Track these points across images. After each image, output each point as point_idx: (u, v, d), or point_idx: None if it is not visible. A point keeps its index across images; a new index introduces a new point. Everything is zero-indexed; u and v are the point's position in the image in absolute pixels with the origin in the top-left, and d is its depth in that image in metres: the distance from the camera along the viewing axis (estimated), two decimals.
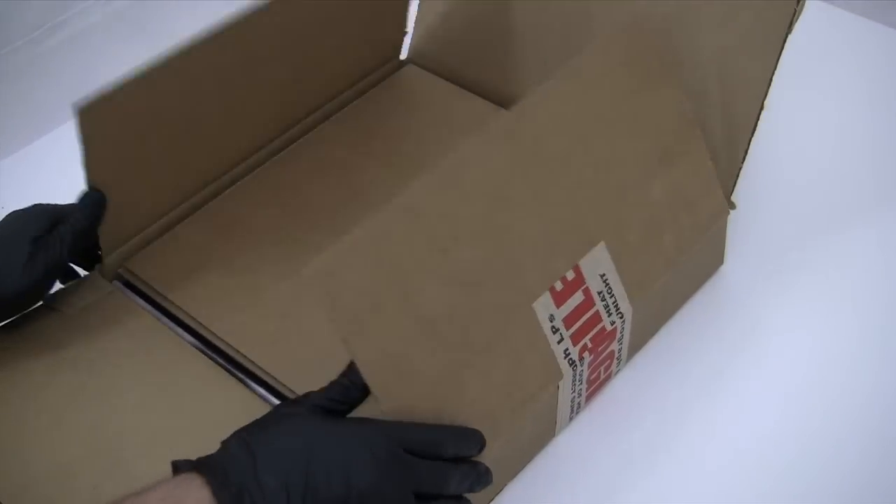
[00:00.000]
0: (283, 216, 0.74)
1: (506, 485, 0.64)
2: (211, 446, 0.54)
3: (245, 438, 0.53)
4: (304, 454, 0.52)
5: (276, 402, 0.64)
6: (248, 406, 0.63)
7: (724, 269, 0.75)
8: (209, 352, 0.67)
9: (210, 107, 0.76)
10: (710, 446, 0.66)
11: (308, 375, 0.63)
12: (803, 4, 0.67)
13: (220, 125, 0.76)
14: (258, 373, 0.65)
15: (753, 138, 0.69)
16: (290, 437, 0.53)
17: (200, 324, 0.67)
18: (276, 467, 0.51)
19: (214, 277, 0.70)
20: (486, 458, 0.58)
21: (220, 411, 0.63)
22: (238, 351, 0.66)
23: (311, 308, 0.67)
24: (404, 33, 0.84)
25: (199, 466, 0.52)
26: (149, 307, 0.69)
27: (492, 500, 0.63)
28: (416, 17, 0.84)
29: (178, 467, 0.53)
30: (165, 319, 0.69)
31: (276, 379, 0.64)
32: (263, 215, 0.74)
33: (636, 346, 0.70)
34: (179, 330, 0.68)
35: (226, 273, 0.70)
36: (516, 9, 0.79)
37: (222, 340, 0.66)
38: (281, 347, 0.66)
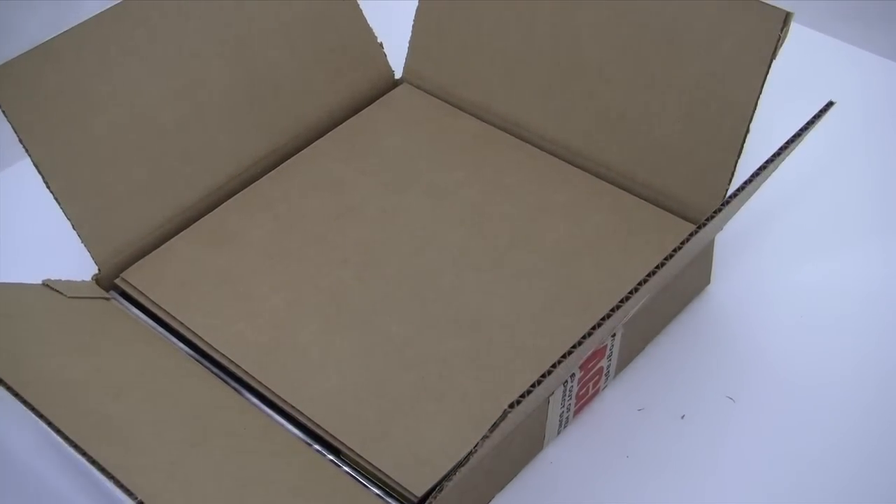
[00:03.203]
0: (277, 230, 0.75)
1: (494, 496, 0.65)
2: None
3: None
4: None
5: (269, 411, 0.65)
6: (238, 405, 0.65)
7: (710, 288, 0.76)
8: (204, 361, 0.67)
9: (206, 121, 0.77)
10: (695, 459, 0.66)
11: (301, 387, 0.65)
12: (788, 31, 0.69)
13: (216, 139, 0.77)
14: (251, 382, 0.66)
15: (740, 161, 0.71)
16: None
17: (195, 333, 0.68)
18: None
19: (209, 289, 0.71)
20: (476, 468, 0.59)
21: (208, 404, 0.64)
22: (232, 361, 0.66)
23: (305, 321, 0.68)
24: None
25: None
26: (144, 317, 0.70)
27: None
28: (411, 37, 0.85)
29: None
30: (161, 329, 0.69)
31: (269, 389, 0.65)
32: (258, 228, 0.75)
33: (623, 363, 0.71)
34: (174, 339, 0.69)
35: (220, 285, 0.71)
36: (511, 30, 0.80)
37: (217, 351, 0.67)
38: (274, 359, 0.66)
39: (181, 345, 0.68)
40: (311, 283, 0.71)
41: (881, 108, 0.90)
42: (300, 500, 0.59)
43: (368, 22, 0.84)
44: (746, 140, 0.70)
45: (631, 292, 0.54)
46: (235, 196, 0.77)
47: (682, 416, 0.69)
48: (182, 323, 0.69)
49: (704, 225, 0.57)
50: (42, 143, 0.69)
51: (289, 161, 0.80)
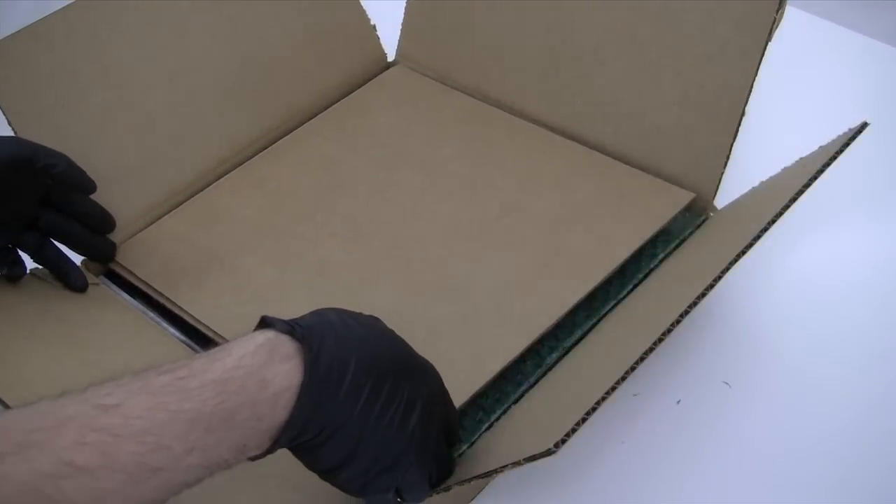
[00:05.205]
0: (267, 207, 0.74)
1: (489, 481, 0.64)
2: None
3: (343, 315, 0.50)
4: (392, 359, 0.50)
5: None
6: None
7: None
8: (196, 347, 0.67)
9: (197, 103, 0.76)
10: (691, 444, 0.66)
11: None
12: (783, 13, 0.68)
13: (207, 121, 0.77)
14: None
15: (735, 144, 0.71)
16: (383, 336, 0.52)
17: (181, 308, 0.67)
18: (368, 358, 0.49)
19: (196, 265, 0.70)
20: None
21: None
22: (216, 333, 0.65)
23: (291, 292, 0.68)
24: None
25: (294, 330, 0.48)
26: (133, 301, 0.70)
27: (474, 496, 0.64)
28: (404, 19, 0.85)
29: (268, 323, 0.49)
30: (151, 314, 0.69)
31: None
32: (247, 206, 0.74)
33: None
34: (164, 324, 0.68)
35: (208, 261, 0.70)
36: (503, 12, 0.80)
37: (201, 323, 0.66)
38: None
39: (172, 329, 0.68)
40: (297, 256, 0.71)
41: (877, 90, 0.90)
42: (288, 482, 0.58)
43: (362, 4, 0.84)
44: (742, 123, 0.70)
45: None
46: (225, 177, 0.77)
47: (678, 402, 0.68)
48: (168, 298, 0.68)
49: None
50: (31, 125, 0.68)
51: (279, 142, 0.79)
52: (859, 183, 0.83)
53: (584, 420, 0.49)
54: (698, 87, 0.71)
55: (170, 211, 0.74)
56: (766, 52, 0.68)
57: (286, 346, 0.47)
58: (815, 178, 0.58)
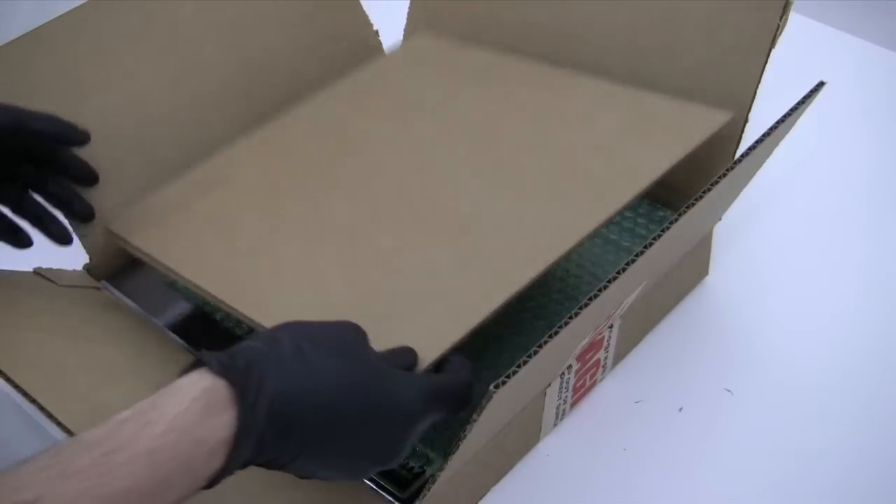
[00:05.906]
0: (270, 169, 0.72)
1: (490, 488, 0.64)
2: None
3: (300, 339, 0.47)
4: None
5: None
6: None
7: (708, 279, 0.76)
8: (193, 350, 0.67)
9: (200, 109, 0.76)
10: (693, 452, 0.66)
11: (272, 305, 0.61)
12: (787, 20, 0.68)
13: (210, 128, 0.77)
14: (220, 306, 0.62)
15: (738, 151, 0.70)
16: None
17: (168, 268, 0.65)
18: (316, 396, 0.45)
19: (192, 228, 0.68)
20: (471, 460, 0.59)
21: None
22: (202, 288, 0.63)
23: (286, 243, 0.66)
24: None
25: (229, 372, 0.44)
26: (135, 306, 0.69)
27: (476, 502, 0.64)
28: (406, 25, 0.85)
29: (204, 361, 0.45)
30: (153, 319, 0.68)
31: (236, 310, 0.61)
32: (249, 171, 0.73)
33: (621, 355, 0.70)
34: (166, 330, 0.68)
35: (204, 223, 0.69)
36: (505, 21, 0.79)
37: (189, 282, 0.64)
38: (248, 281, 0.63)
39: (172, 334, 0.68)
40: (296, 209, 0.68)
41: (876, 95, 0.90)
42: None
43: (364, 9, 0.84)
44: (745, 130, 0.70)
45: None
46: (230, 143, 0.75)
47: (680, 409, 0.68)
48: (157, 260, 0.66)
49: (693, 205, 0.57)
50: None
51: (291, 112, 0.78)
52: (860, 188, 0.83)
53: (524, 363, 0.47)
54: (701, 95, 0.71)
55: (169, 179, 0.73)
56: (770, 58, 0.68)
57: (221, 395, 0.44)
58: (767, 134, 0.58)
